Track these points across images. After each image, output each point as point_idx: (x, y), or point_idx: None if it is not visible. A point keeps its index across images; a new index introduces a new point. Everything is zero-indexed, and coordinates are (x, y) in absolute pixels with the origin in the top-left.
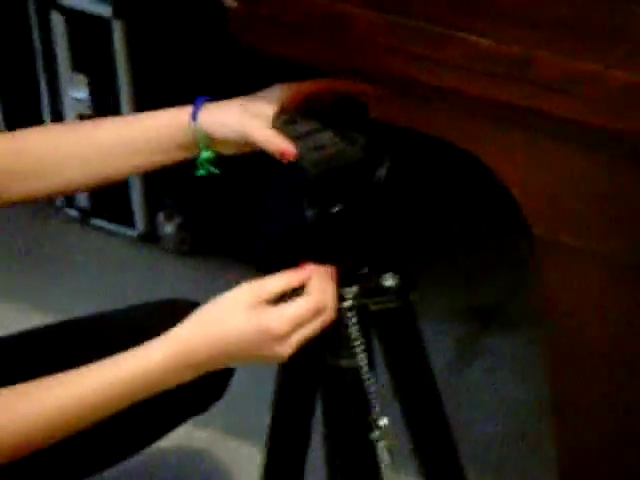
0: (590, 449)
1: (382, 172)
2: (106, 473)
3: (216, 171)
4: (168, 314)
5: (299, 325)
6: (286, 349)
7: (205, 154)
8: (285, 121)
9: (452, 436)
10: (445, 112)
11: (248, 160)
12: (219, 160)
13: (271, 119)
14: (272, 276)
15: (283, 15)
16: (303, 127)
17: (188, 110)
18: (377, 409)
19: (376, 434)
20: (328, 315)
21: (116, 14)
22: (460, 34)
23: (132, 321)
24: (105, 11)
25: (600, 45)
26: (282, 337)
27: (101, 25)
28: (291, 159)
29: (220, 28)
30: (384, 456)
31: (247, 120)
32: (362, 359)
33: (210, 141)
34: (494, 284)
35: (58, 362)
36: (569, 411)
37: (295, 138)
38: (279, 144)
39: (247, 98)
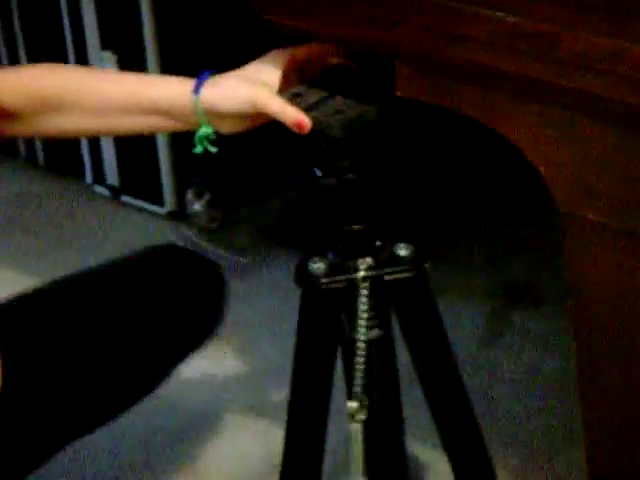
0: (616, 424)
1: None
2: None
3: (213, 149)
4: (153, 259)
5: None
6: None
7: (203, 130)
8: (291, 95)
9: (472, 406)
10: (471, 89)
11: (274, 135)
12: (220, 139)
13: (277, 87)
14: None
15: None
16: (311, 98)
17: (192, 83)
18: (358, 390)
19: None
20: None
21: None
22: (486, 11)
23: (122, 269)
24: None
25: (624, 21)
26: None
27: (129, 3)
28: (306, 131)
29: (246, 5)
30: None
31: (258, 90)
32: (363, 332)
33: (210, 117)
34: (523, 260)
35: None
36: (594, 386)
37: (307, 109)
38: (296, 115)
39: (248, 67)
